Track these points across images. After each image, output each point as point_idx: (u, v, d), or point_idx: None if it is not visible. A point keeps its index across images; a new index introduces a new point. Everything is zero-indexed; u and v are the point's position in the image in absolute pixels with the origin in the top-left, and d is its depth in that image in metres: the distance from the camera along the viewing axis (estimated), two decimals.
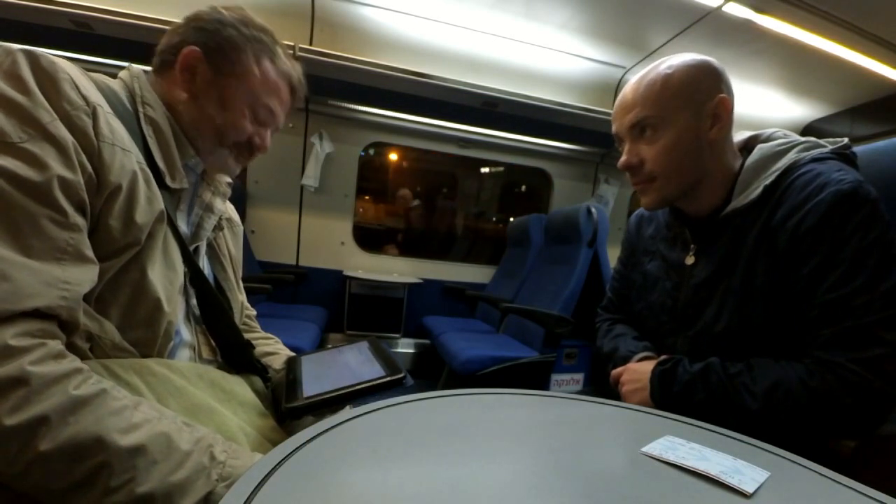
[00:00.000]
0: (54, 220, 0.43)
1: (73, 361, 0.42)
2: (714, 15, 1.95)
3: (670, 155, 0.71)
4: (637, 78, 0.75)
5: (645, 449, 0.43)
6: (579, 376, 2.20)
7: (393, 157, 3.63)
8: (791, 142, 0.73)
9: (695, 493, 0.36)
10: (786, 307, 0.65)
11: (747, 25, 1.95)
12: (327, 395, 0.62)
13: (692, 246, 0.79)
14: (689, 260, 0.78)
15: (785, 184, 0.68)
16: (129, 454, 0.40)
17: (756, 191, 0.70)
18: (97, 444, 0.39)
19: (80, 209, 0.45)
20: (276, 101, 0.67)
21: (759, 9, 1.87)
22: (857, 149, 0.74)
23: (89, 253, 0.46)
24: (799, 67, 2.27)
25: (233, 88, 0.63)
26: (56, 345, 0.42)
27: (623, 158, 0.76)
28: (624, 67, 2.55)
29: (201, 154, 0.65)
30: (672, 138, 0.71)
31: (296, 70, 0.70)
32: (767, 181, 0.69)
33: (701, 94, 0.70)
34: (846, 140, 0.73)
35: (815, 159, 0.69)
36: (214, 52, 0.62)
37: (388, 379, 0.64)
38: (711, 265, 0.74)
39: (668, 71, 0.71)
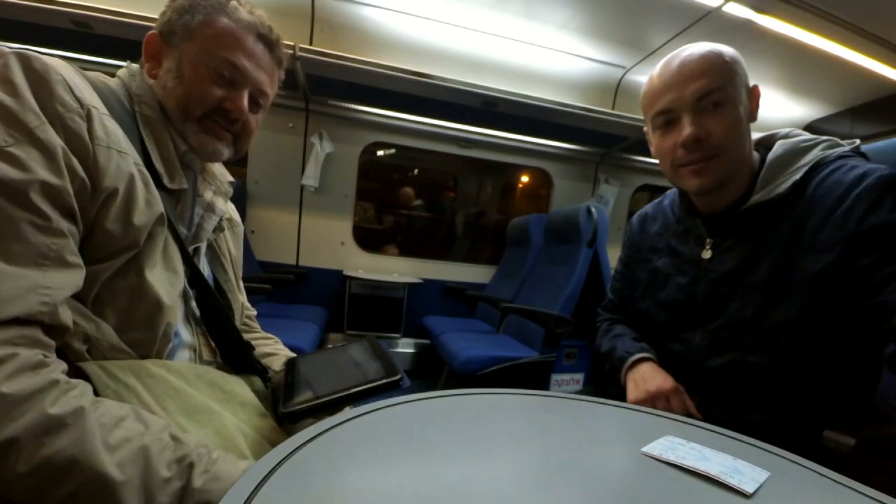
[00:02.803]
0: (36, 224, 0.42)
1: (51, 372, 0.41)
2: (714, 15, 1.95)
3: (736, 131, 0.69)
4: (676, 54, 0.72)
5: (645, 449, 0.43)
6: (579, 376, 2.20)
7: (393, 156, 3.63)
8: (813, 139, 0.74)
9: (695, 493, 0.36)
10: (833, 298, 0.63)
11: (747, 25, 1.95)
12: (322, 400, 0.62)
13: (708, 240, 0.77)
14: (706, 254, 0.77)
15: (817, 179, 0.68)
16: (104, 479, 0.38)
17: (783, 185, 0.69)
18: (73, 466, 0.38)
19: (68, 214, 0.44)
20: (241, 54, 0.61)
21: (759, 9, 1.87)
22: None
23: (73, 258, 0.45)
24: (799, 67, 2.27)
25: (187, 54, 0.59)
26: (33, 354, 0.40)
27: (690, 131, 0.69)
28: (624, 67, 2.55)
29: (185, 140, 0.61)
30: (736, 114, 0.69)
31: (261, 19, 0.64)
32: (796, 176, 0.69)
33: (747, 77, 0.71)
34: (858, 141, 0.73)
35: (840, 157, 0.69)
36: (168, 28, 0.61)
37: (385, 381, 0.64)
38: (733, 259, 0.73)
39: (720, 49, 0.70)
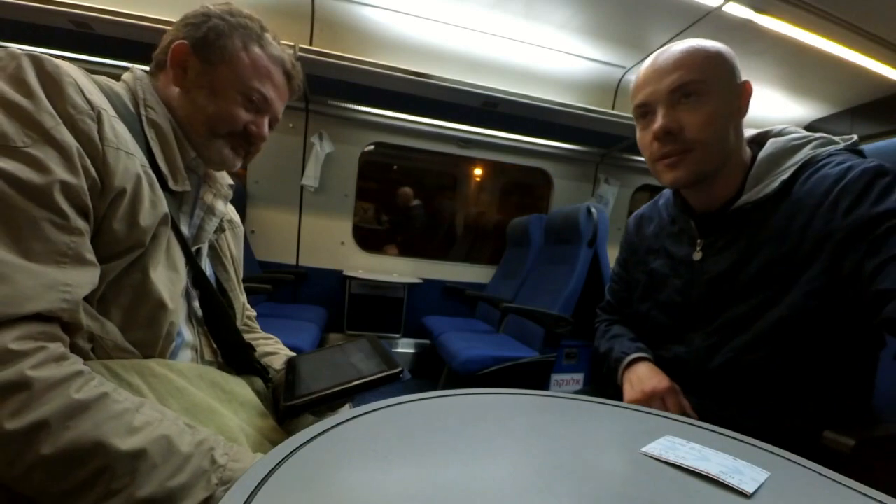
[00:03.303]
0: (55, 223, 0.43)
1: (74, 364, 0.42)
2: (714, 15, 1.95)
3: (713, 124, 0.68)
4: (663, 50, 0.72)
5: (645, 449, 0.43)
6: (579, 376, 2.20)
7: (393, 156, 3.63)
8: (805, 137, 0.73)
9: (695, 493, 0.36)
10: (826, 292, 0.63)
11: (747, 25, 1.95)
12: (324, 392, 0.62)
13: (699, 241, 0.77)
14: (697, 256, 0.76)
15: (804, 176, 0.68)
16: (129, 458, 0.40)
17: (772, 184, 0.69)
18: (97, 448, 0.39)
19: (83, 213, 0.46)
20: (270, 86, 0.66)
21: (759, 9, 1.87)
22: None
23: (90, 256, 0.46)
24: (799, 67, 2.27)
25: (222, 76, 0.62)
26: (57, 347, 0.42)
27: (661, 123, 0.69)
28: (624, 67, 2.55)
29: (199, 150, 0.64)
30: (714, 107, 0.68)
31: (288, 55, 0.69)
32: (785, 175, 0.69)
33: (734, 73, 0.70)
34: (856, 137, 0.73)
35: (831, 154, 0.69)
36: (201, 42, 0.62)
37: (385, 374, 0.64)
38: (725, 260, 0.72)
39: (705, 44, 0.70)
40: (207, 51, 0.62)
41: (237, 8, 0.65)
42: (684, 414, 0.73)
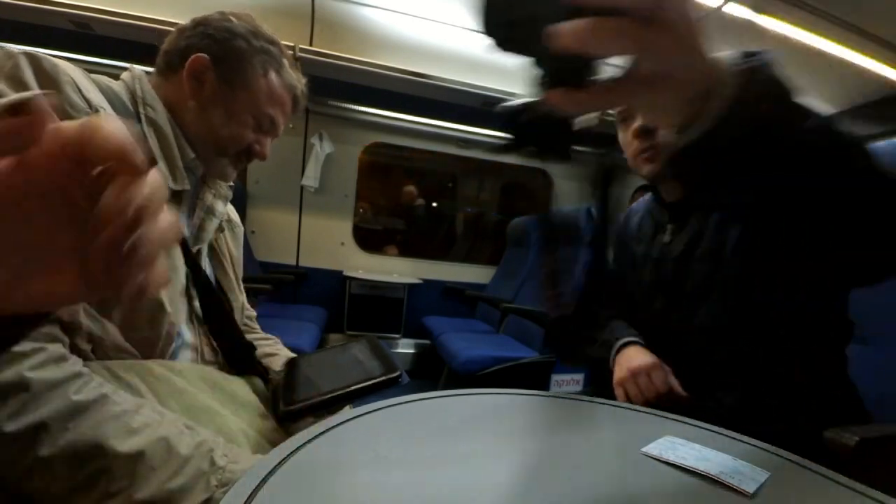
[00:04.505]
0: None
1: (74, 365, 0.42)
2: (714, 15, 1.95)
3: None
4: None
5: (645, 449, 0.43)
6: (579, 376, 2.19)
7: (393, 156, 3.63)
8: None
9: (695, 493, 0.36)
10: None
11: (747, 25, 1.95)
12: (322, 398, 0.62)
13: (669, 226, 0.85)
14: (666, 238, 0.84)
15: None
16: (127, 460, 0.40)
17: None
18: (96, 449, 0.39)
19: None
20: (280, 111, 0.68)
21: (759, 9, 1.87)
22: None
23: None
24: (799, 67, 2.27)
25: (238, 100, 0.64)
26: (57, 348, 0.42)
27: (638, 122, 0.78)
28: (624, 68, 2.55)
29: (201, 158, 0.65)
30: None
31: (300, 81, 0.71)
32: None
33: None
34: None
35: None
36: (222, 61, 0.62)
37: (383, 378, 0.64)
38: (685, 239, 0.81)
39: None
40: (228, 71, 0.63)
41: (259, 27, 0.66)
42: (671, 390, 0.76)
